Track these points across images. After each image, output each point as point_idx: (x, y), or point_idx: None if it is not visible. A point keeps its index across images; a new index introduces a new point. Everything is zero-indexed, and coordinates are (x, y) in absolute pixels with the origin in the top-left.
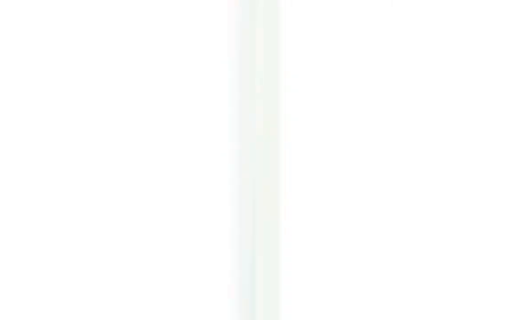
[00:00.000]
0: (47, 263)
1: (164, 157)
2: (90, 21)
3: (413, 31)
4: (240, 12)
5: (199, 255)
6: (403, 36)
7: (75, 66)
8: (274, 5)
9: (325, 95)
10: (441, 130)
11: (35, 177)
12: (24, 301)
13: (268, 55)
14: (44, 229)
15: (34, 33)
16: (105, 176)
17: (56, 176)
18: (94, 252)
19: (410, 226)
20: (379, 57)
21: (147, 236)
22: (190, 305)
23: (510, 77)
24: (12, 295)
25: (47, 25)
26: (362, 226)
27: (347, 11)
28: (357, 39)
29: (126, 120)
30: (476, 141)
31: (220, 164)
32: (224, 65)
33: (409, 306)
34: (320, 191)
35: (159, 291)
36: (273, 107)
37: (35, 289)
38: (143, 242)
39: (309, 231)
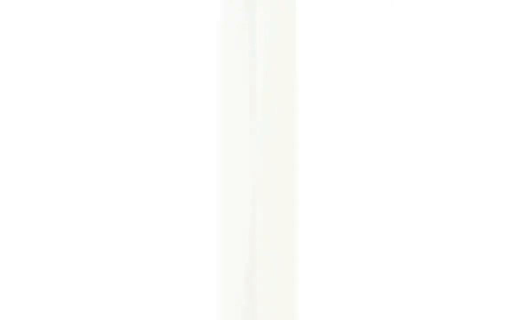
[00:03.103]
0: (38, 259)
1: (165, 156)
2: (85, 22)
3: (413, 31)
4: (250, 13)
5: (198, 255)
6: (403, 36)
7: (68, 66)
8: (274, 5)
9: (325, 96)
10: (442, 131)
11: (26, 175)
12: (23, 301)
13: (268, 54)
14: (33, 225)
15: (27, 34)
16: (102, 175)
17: (44, 171)
18: (91, 254)
19: (419, 227)
20: (379, 57)
21: (142, 238)
22: (189, 304)
23: (510, 77)
24: (12, 295)
25: (38, 25)
26: (363, 228)
27: (347, 11)
28: (357, 39)
29: (130, 119)
30: (478, 141)
31: (219, 164)
32: (234, 67)
33: (410, 306)
34: (330, 192)
35: (156, 290)
36: (278, 109)
37: (29, 288)
38: (140, 242)
39: (315, 231)
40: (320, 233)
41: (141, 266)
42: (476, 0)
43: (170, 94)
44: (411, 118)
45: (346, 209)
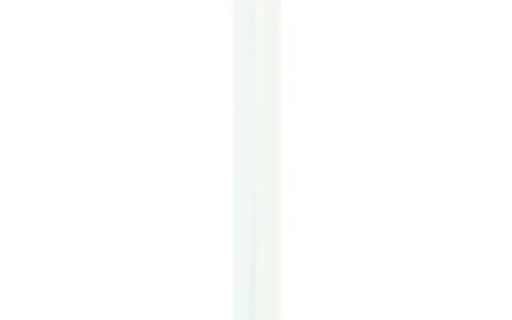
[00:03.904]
0: (37, 260)
1: (165, 157)
2: (93, 23)
3: (413, 31)
4: (240, 13)
5: (198, 255)
6: (403, 36)
7: (69, 66)
8: (274, 5)
9: (325, 96)
10: (441, 131)
11: (25, 176)
12: (23, 301)
13: (268, 55)
14: (32, 226)
15: (27, 34)
16: (103, 178)
17: (46, 173)
18: (91, 255)
19: (411, 227)
20: (379, 57)
21: (143, 238)
22: (189, 304)
23: (510, 77)
24: (12, 295)
25: (44, 25)
26: (361, 228)
27: (347, 11)
28: (356, 39)
29: (132, 118)
30: (477, 141)
31: (220, 165)
32: (225, 66)
33: (409, 307)
34: (320, 192)
35: (157, 290)
36: (274, 108)
37: (30, 289)
38: (140, 242)
39: (310, 232)
40: (320, 233)
41: (141, 266)
42: (476, 0)
43: (170, 95)
44: (411, 118)
45: (346, 209)
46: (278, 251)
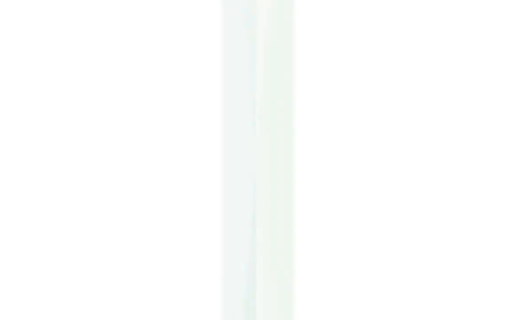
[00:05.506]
0: (35, 260)
1: (166, 157)
2: (89, 24)
3: (413, 31)
4: (248, 13)
5: (198, 255)
6: (403, 36)
7: (67, 66)
8: (275, 5)
9: (325, 96)
10: (441, 130)
11: (21, 176)
12: (22, 301)
13: (270, 55)
14: (31, 226)
15: (27, 34)
16: (102, 177)
17: (37, 171)
18: (88, 256)
19: (416, 228)
20: (379, 57)
21: (140, 239)
22: (190, 304)
23: (510, 77)
24: (12, 295)
25: (38, 25)
26: (361, 228)
27: (347, 11)
28: (356, 39)
29: (131, 120)
30: (477, 141)
31: (217, 164)
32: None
33: (412, 308)
34: (327, 193)
35: (156, 289)
36: (278, 109)
37: (28, 289)
38: (140, 242)
39: (314, 232)
40: (319, 233)
41: (141, 266)
42: (476, 0)
43: (170, 95)
44: (411, 118)
45: (345, 209)
46: (279, 251)
